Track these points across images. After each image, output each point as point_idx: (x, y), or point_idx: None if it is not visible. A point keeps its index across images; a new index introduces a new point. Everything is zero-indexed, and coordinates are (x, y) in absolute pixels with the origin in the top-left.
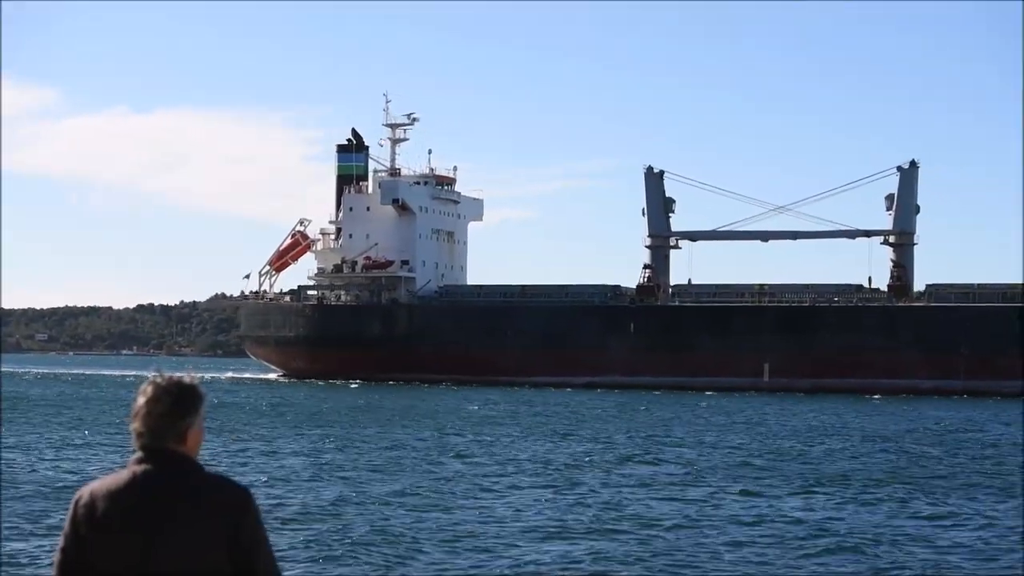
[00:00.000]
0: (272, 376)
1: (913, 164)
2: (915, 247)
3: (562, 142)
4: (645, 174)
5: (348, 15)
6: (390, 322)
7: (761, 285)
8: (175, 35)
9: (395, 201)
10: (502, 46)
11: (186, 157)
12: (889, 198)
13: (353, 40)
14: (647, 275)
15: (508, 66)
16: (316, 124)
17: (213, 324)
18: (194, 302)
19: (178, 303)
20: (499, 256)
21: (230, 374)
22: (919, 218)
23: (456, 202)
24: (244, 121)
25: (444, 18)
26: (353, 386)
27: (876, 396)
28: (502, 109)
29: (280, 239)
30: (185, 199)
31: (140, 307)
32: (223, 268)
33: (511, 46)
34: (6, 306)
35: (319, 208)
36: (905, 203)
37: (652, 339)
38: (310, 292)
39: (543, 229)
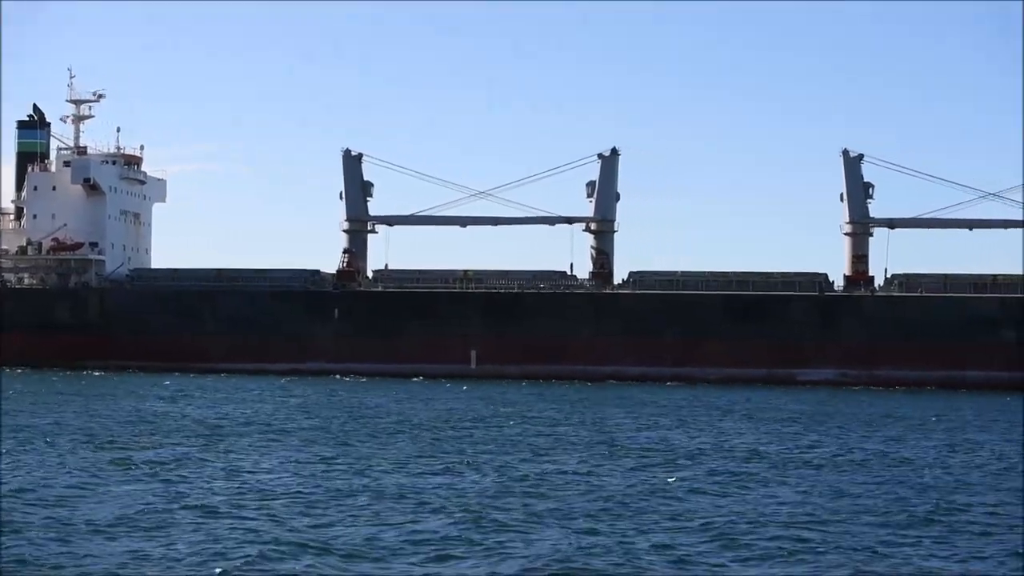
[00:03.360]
0: None
1: (614, 152)
2: (615, 234)
3: (259, 119)
4: (343, 157)
5: None
6: (80, 307)
7: (465, 271)
8: None
9: (86, 180)
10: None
11: None
12: (590, 185)
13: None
14: (346, 259)
15: (201, 41)
16: None
17: None
18: None
19: None
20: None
21: None
22: (619, 205)
23: (143, 182)
24: None
25: None
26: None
27: (579, 381)
28: (196, 86)
29: None
30: None
31: None
32: None
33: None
34: None
35: None
36: (605, 190)
37: (357, 325)
38: None
39: (234, 210)
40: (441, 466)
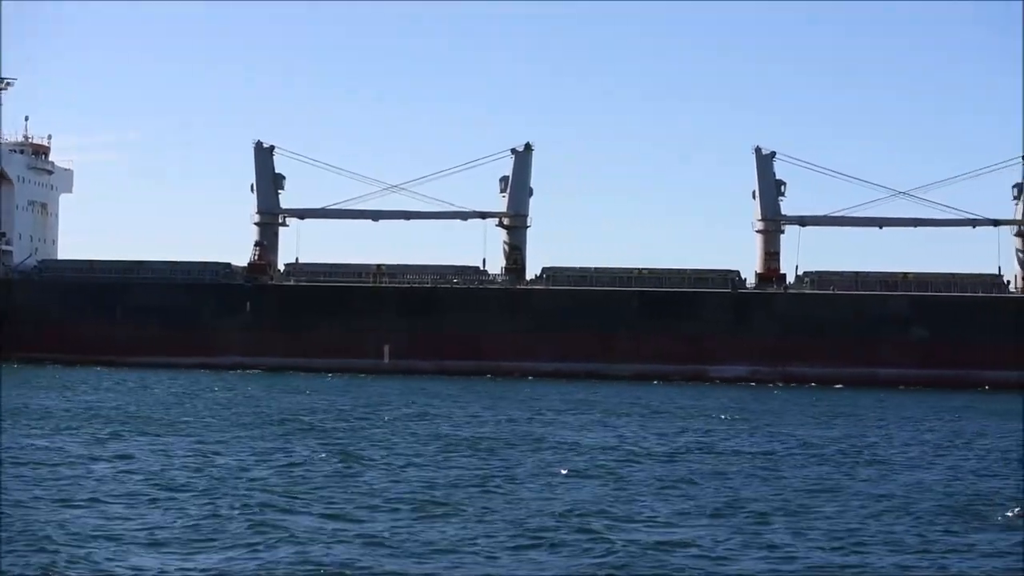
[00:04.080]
0: None
1: (528, 147)
2: (528, 230)
3: (170, 110)
4: (255, 149)
5: None
6: None
7: (379, 266)
8: None
9: None
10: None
11: None
12: (503, 180)
13: None
14: (257, 253)
15: (113, 31)
16: None
17: None
18: None
19: None
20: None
21: None
22: (533, 200)
23: (50, 172)
24: None
25: None
26: None
27: (489, 376)
28: (106, 76)
29: None
30: None
31: None
32: None
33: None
34: None
35: None
36: (519, 186)
37: (269, 320)
38: None
39: (142, 202)
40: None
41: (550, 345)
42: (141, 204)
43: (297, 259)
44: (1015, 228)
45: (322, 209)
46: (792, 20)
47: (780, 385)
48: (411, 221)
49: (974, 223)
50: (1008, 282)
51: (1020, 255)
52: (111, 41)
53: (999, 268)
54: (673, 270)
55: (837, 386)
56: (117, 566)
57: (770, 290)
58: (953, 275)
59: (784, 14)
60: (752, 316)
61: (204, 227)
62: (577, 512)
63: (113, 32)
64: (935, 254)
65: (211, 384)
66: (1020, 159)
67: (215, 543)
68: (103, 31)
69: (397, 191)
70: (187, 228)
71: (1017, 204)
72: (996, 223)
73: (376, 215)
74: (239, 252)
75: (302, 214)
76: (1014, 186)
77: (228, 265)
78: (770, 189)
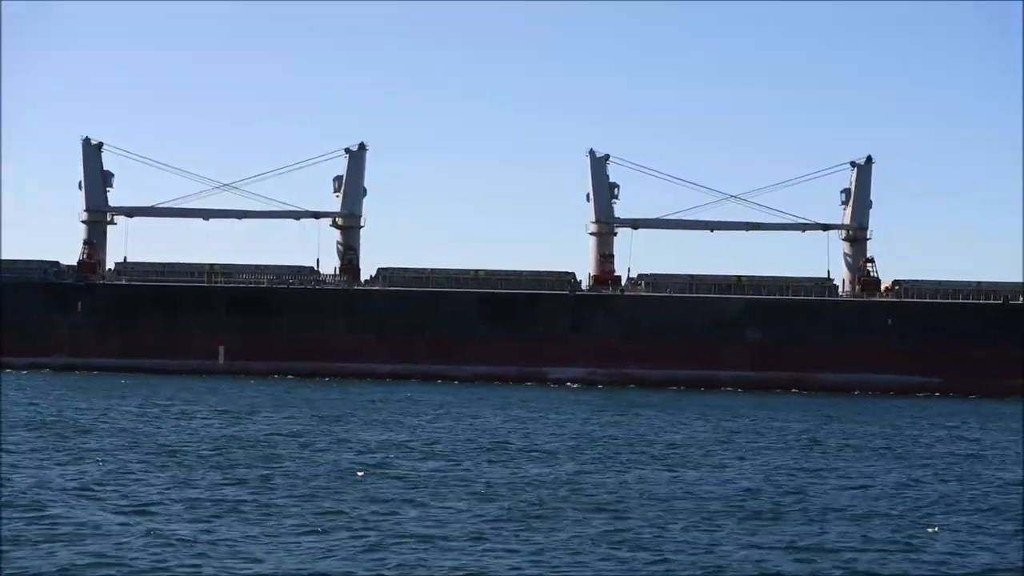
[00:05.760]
0: None
1: (362, 146)
2: (362, 230)
3: None
4: (83, 145)
5: None
6: None
7: (211, 265)
8: None
9: None
10: None
11: None
12: (337, 180)
13: None
14: (87, 251)
15: None
16: None
17: None
18: None
19: None
20: None
21: None
22: (367, 200)
23: None
24: None
25: None
26: None
27: (328, 378)
28: None
29: None
30: None
31: None
32: None
33: None
34: None
35: None
36: (353, 186)
37: (100, 319)
38: None
39: None
40: None
41: (388, 347)
42: None
43: (125, 258)
44: (843, 232)
45: (151, 207)
46: (625, 23)
47: (618, 387)
48: (243, 220)
49: (804, 227)
50: (838, 286)
51: (848, 259)
52: None
53: (828, 272)
54: (510, 272)
55: (676, 388)
56: None
57: (606, 292)
58: (785, 278)
59: (617, 16)
60: (590, 318)
61: (29, 225)
62: None
63: None
64: (766, 258)
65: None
66: (848, 165)
67: None
68: None
69: (229, 190)
70: (10, 226)
71: (845, 209)
72: (825, 227)
73: (207, 214)
74: (66, 251)
75: (131, 212)
76: (842, 191)
77: (56, 264)
78: (604, 192)
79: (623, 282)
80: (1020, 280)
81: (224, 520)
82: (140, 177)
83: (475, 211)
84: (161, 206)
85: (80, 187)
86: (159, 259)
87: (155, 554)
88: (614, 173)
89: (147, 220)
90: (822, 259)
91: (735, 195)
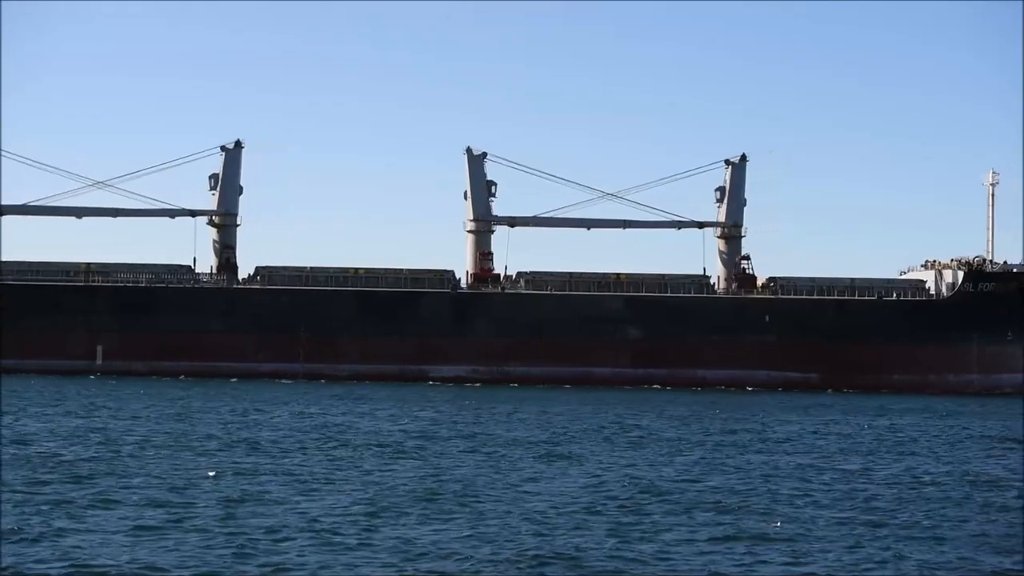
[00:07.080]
0: None
1: (238, 144)
2: (239, 228)
3: None
4: None
5: None
6: None
7: (88, 264)
8: None
9: None
10: None
11: None
12: (213, 178)
13: None
14: None
15: None
16: None
17: None
18: None
19: None
20: None
21: None
22: (243, 199)
23: None
24: None
25: None
26: None
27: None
28: None
29: None
30: None
31: None
32: None
33: None
34: None
35: None
36: (229, 184)
37: None
38: None
39: None
40: None
41: (268, 346)
42: None
43: None
44: (718, 230)
45: (23, 206)
46: (502, 19)
47: (500, 385)
48: (118, 219)
49: (679, 225)
50: (714, 283)
51: (723, 256)
52: None
53: (704, 269)
54: (389, 270)
55: (566, 386)
56: None
57: (486, 290)
58: (663, 275)
59: (494, 13)
60: (471, 316)
61: None
62: None
63: None
64: (643, 255)
65: None
66: (723, 163)
67: None
68: None
69: (103, 188)
70: None
71: (720, 207)
72: (700, 225)
73: (80, 212)
74: None
75: (1, 210)
76: (716, 189)
77: None
78: (481, 189)
79: (502, 280)
80: (894, 276)
81: None
82: (13, 175)
83: (354, 209)
84: (33, 204)
85: None
86: (32, 258)
87: None
88: (492, 171)
89: (18, 219)
90: (698, 256)
91: (612, 193)
